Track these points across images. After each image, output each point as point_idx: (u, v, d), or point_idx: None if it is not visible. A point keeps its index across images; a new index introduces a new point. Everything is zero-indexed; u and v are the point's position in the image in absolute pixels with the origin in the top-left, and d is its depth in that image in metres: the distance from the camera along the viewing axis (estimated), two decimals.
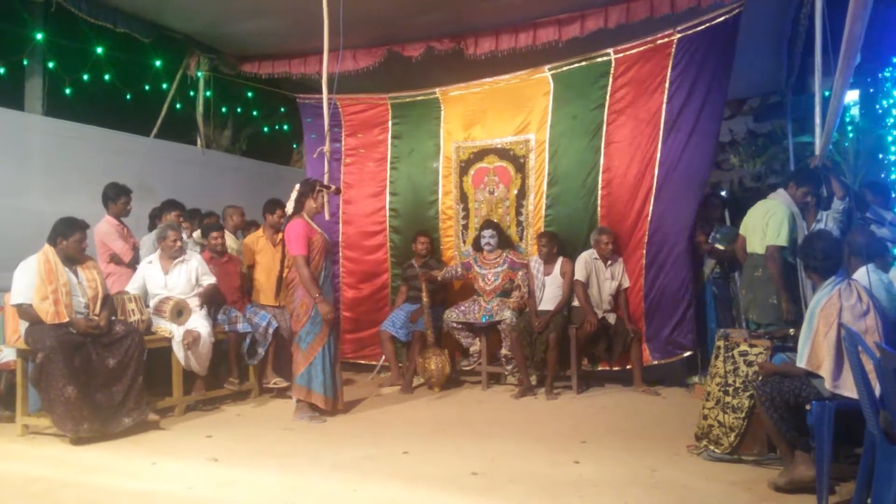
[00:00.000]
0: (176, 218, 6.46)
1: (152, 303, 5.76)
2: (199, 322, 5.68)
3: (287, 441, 4.83)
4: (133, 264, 6.12)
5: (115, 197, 6.12)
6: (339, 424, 5.31)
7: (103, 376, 4.93)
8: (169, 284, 5.79)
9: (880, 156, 8.52)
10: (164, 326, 5.62)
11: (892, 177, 7.45)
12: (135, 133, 8.05)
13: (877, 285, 3.92)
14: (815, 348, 3.57)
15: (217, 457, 4.42)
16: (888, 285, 4.05)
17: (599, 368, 6.55)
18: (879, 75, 8.76)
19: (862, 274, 3.91)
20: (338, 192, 6.28)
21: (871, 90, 9.06)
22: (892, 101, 8.69)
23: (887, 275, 4.28)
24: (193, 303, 5.82)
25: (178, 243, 5.83)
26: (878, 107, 8.98)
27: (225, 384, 6.05)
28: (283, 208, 6.55)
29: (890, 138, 8.53)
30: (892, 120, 8.61)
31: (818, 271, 3.77)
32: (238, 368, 6.13)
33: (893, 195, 6.60)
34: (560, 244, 6.52)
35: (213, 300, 6.08)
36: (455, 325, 6.63)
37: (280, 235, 6.52)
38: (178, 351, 5.55)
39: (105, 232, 6.08)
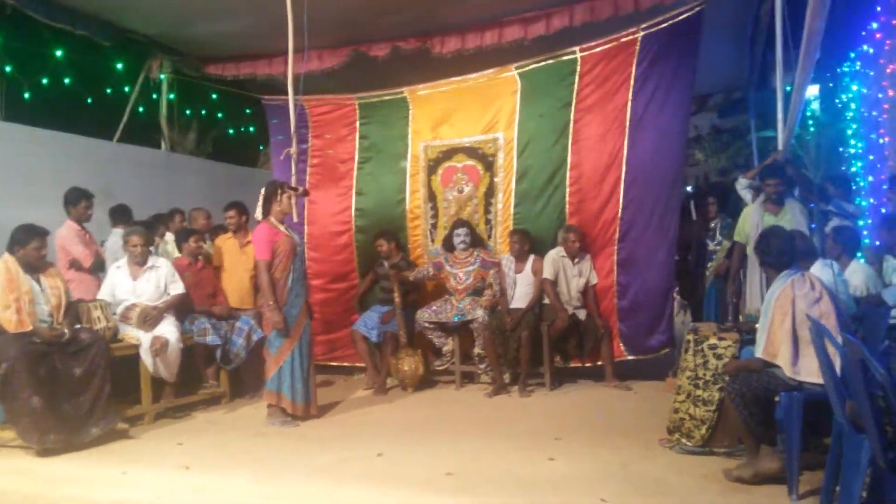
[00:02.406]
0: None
1: (119, 309, 5.66)
2: (166, 328, 5.59)
3: (259, 447, 4.78)
4: (95, 270, 6.01)
5: (76, 201, 6.00)
6: (313, 428, 5.27)
7: (69, 386, 4.84)
8: (137, 290, 5.70)
9: (840, 149, 8.68)
10: (132, 333, 5.52)
11: (853, 170, 7.60)
12: (97, 137, 7.90)
13: (831, 278, 4.01)
14: (771, 338, 3.67)
15: (188, 464, 4.36)
16: (840, 275, 4.15)
17: (572, 365, 6.59)
18: (838, 70, 8.93)
19: (817, 268, 4.01)
20: (305, 193, 6.23)
21: (831, 85, 9.24)
22: (850, 95, 8.87)
23: (843, 266, 4.38)
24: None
25: (139, 248, 5.73)
26: (837, 101, 9.16)
27: (200, 390, 5.98)
28: (235, 209, 6.52)
29: (850, 132, 8.70)
30: (851, 114, 8.78)
31: (773, 266, 3.88)
32: (212, 373, 6.06)
33: (854, 187, 6.75)
34: (532, 242, 6.54)
35: (180, 308, 5.98)
36: (427, 325, 6.62)
37: (246, 238, 6.48)
38: (147, 358, 5.46)
39: (65, 237, 5.96)
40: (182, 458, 4.51)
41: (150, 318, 5.55)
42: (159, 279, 5.80)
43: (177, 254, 6.46)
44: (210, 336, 5.92)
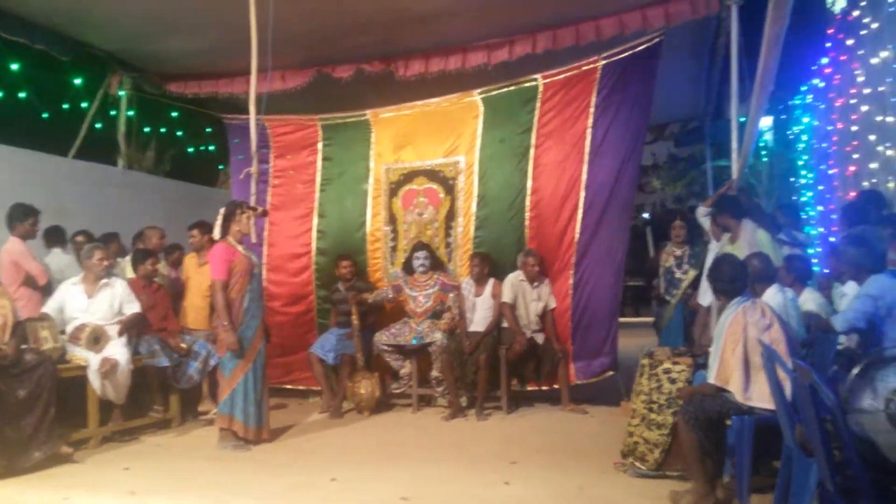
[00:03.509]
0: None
1: (68, 328, 5.50)
2: (117, 349, 5.45)
3: (210, 472, 4.66)
4: (46, 288, 5.84)
5: (22, 217, 5.81)
6: (266, 453, 5.16)
7: (12, 408, 4.66)
8: (91, 308, 5.56)
9: (792, 179, 8.93)
10: (80, 354, 5.36)
11: (803, 199, 7.81)
12: (52, 153, 7.74)
13: (782, 303, 4.09)
14: (723, 364, 3.72)
15: (134, 490, 4.23)
16: (793, 301, 4.23)
17: (528, 388, 6.59)
18: (790, 102, 9.21)
19: (772, 293, 4.08)
20: (265, 214, 6.17)
21: (783, 117, 9.52)
22: (802, 127, 9.15)
23: (796, 294, 4.47)
24: (113, 330, 5.58)
25: (105, 262, 5.62)
26: (789, 132, 9.44)
27: (150, 412, 5.84)
28: (198, 228, 6.44)
29: (800, 163, 8.97)
30: (802, 145, 9.06)
31: (726, 293, 3.93)
32: (161, 397, 5.91)
33: (804, 217, 6.92)
34: (492, 265, 6.56)
35: (134, 328, 5.84)
36: (385, 347, 6.57)
37: (206, 257, 6.39)
38: (94, 380, 5.30)
39: (18, 252, 5.76)
40: (128, 483, 4.37)
41: (102, 338, 5.41)
42: (114, 298, 5.67)
43: (132, 275, 6.32)
44: (160, 358, 5.79)
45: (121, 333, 5.58)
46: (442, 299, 6.62)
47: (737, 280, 3.91)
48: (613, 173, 6.42)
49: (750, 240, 5.34)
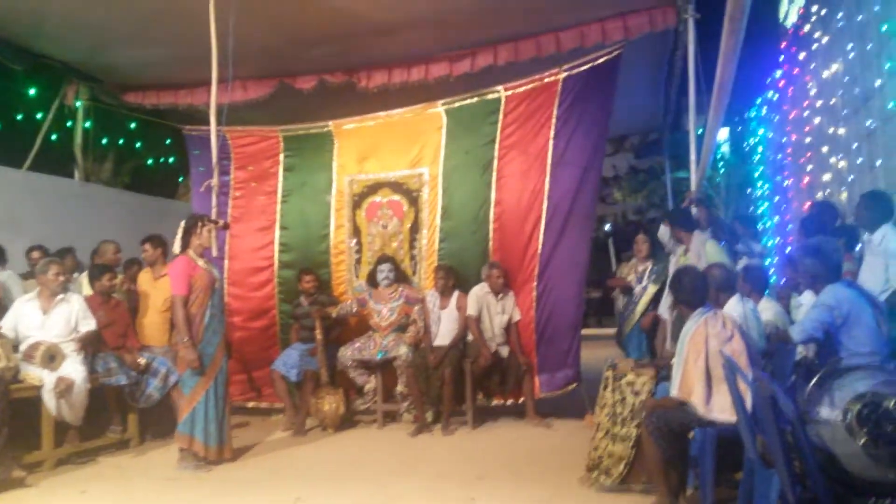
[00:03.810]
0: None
1: (22, 346, 5.33)
2: (72, 368, 5.29)
3: (169, 493, 4.56)
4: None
5: None
6: (228, 472, 5.06)
7: None
8: (46, 325, 5.40)
9: (748, 190, 9.11)
10: (34, 373, 5.19)
11: (759, 210, 7.97)
12: (5, 165, 7.54)
13: (743, 314, 4.14)
14: (685, 376, 3.75)
15: None
16: (754, 311, 4.29)
17: (494, 402, 6.58)
18: (746, 115, 9.41)
19: (733, 304, 4.14)
20: (226, 227, 6.07)
21: (739, 129, 9.72)
22: (757, 139, 9.36)
23: (755, 304, 4.54)
24: (69, 348, 5.42)
25: (61, 278, 5.48)
26: (745, 144, 9.64)
27: (108, 432, 5.69)
28: (150, 242, 6.30)
29: (756, 174, 9.16)
30: (757, 157, 9.25)
31: (687, 304, 3.98)
32: (119, 416, 5.77)
33: (760, 227, 7.05)
34: (456, 278, 6.55)
35: (91, 345, 5.69)
36: (350, 362, 6.51)
37: (161, 271, 6.27)
38: (49, 400, 5.14)
39: None
40: None
41: (58, 356, 5.26)
42: (70, 314, 5.52)
43: (89, 291, 6.16)
44: (116, 376, 5.65)
45: (77, 351, 5.43)
46: (407, 312, 6.59)
47: (697, 291, 3.96)
48: (575, 184, 6.47)
49: (698, 251, 5.44)
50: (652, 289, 6.35)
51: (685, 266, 4.43)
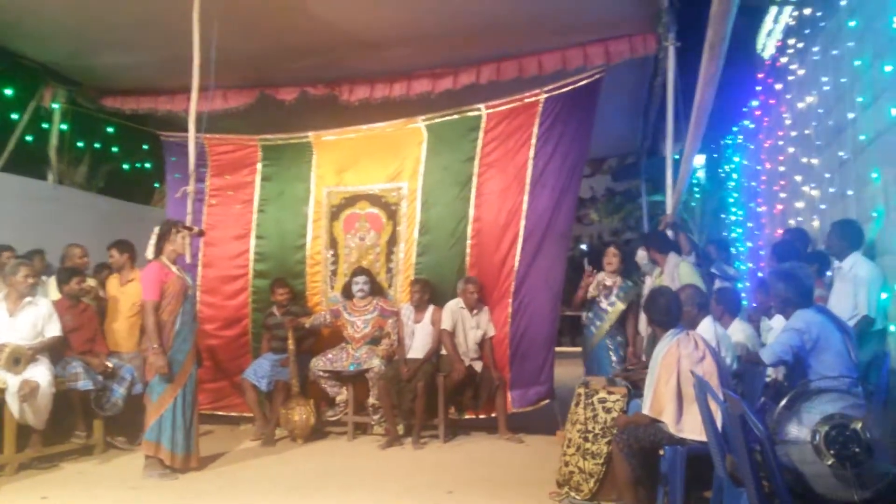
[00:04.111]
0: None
1: None
2: (38, 372, 5.19)
3: (134, 501, 4.49)
4: None
5: None
6: (194, 482, 4.98)
7: None
8: (14, 327, 5.31)
9: (722, 215, 9.25)
10: None
11: (733, 235, 8.09)
12: None
13: (714, 335, 4.20)
14: (657, 396, 3.78)
15: None
16: (724, 333, 4.35)
17: (466, 417, 6.57)
18: (722, 142, 9.58)
19: (705, 325, 4.19)
20: (201, 234, 6.02)
21: (715, 155, 9.89)
22: (732, 166, 9.53)
23: (726, 325, 4.61)
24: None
25: (30, 280, 5.40)
26: (720, 171, 9.80)
27: (72, 437, 5.58)
28: (116, 248, 6.24)
29: (731, 200, 9.31)
30: (732, 183, 9.41)
31: (661, 325, 4.02)
32: (84, 421, 5.66)
33: (734, 252, 7.16)
34: (432, 292, 6.56)
35: (52, 352, 5.58)
36: (322, 373, 6.46)
37: (128, 276, 6.19)
38: (13, 403, 5.03)
39: None
40: None
41: (23, 359, 5.15)
42: (37, 318, 5.44)
43: (57, 295, 6.06)
44: (82, 381, 5.54)
45: (33, 356, 5.32)
46: (381, 325, 6.57)
47: (671, 312, 4.01)
48: (552, 203, 6.53)
49: (672, 272, 5.52)
50: (620, 306, 6.26)
51: (659, 287, 4.48)
